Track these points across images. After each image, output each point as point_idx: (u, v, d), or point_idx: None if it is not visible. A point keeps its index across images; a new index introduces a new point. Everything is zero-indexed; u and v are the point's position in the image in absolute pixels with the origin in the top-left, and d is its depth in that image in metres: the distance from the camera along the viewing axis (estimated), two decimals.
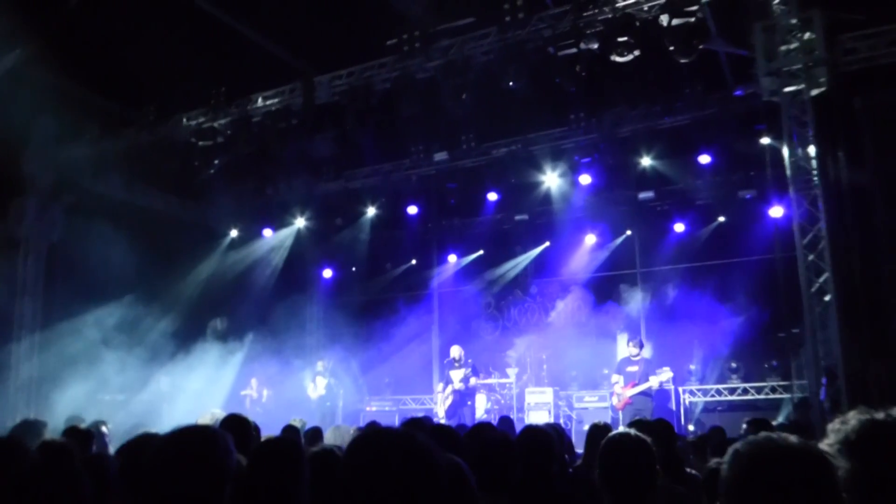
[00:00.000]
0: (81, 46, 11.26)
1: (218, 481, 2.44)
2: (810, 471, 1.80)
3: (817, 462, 1.83)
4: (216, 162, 13.04)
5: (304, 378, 15.16)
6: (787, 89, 9.57)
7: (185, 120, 13.13)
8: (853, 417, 2.14)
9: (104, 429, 6.90)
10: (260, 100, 12.69)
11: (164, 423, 9.14)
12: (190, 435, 2.54)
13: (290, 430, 6.97)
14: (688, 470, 4.99)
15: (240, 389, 14.59)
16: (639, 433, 3.41)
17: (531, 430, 4.43)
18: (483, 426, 5.28)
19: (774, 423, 8.66)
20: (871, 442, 2.04)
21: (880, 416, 2.09)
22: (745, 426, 5.68)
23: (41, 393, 12.52)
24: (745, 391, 13.18)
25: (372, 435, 1.85)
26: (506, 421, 8.36)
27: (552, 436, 4.32)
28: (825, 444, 2.13)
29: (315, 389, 14.54)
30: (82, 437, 5.86)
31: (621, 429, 3.75)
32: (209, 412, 6.92)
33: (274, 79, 12.63)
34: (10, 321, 13.30)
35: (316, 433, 7.34)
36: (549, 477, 4.12)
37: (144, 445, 3.53)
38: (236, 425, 4.34)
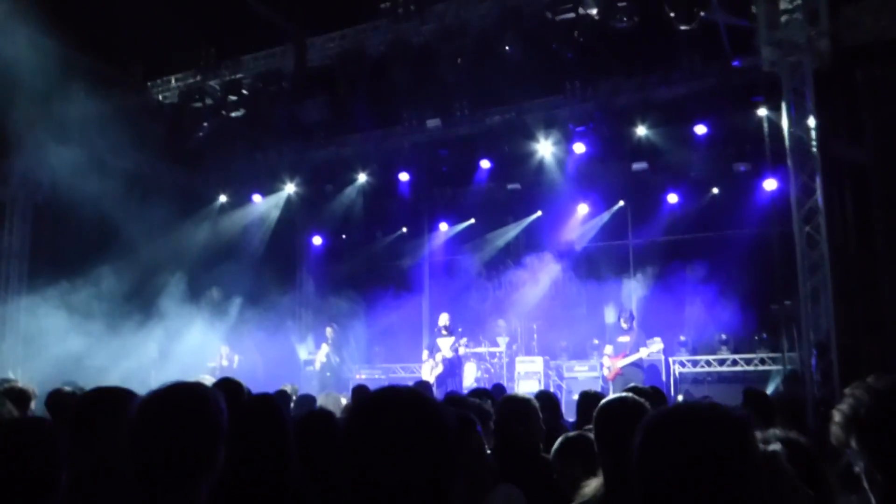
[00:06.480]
0: (68, 3, 10.97)
1: (210, 441, 2.23)
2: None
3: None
4: (205, 125, 12.84)
5: (296, 345, 15.06)
6: (788, 60, 9.46)
7: (173, 81, 12.90)
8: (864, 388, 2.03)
9: None
10: (251, 61, 12.47)
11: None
12: (179, 391, 2.30)
13: (282, 395, 6.91)
14: None
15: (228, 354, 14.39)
16: (635, 396, 3.39)
17: (508, 399, 4.50)
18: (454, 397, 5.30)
19: None
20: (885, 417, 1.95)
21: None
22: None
23: (27, 357, 12.40)
24: (735, 363, 13.21)
25: (380, 393, 1.77)
26: (499, 388, 8.34)
27: (531, 404, 4.30)
28: (837, 410, 2.04)
29: (319, 357, 14.47)
30: (66, 401, 5.69)
31: (615, 394, 3.73)
32: (196, 378, 6.83)
33: (265, 40, 12.40)
34: None
35: (308, 399, 7.28)
36: (524, 446, 4.12)
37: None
38: (228, 390, 4.26)
